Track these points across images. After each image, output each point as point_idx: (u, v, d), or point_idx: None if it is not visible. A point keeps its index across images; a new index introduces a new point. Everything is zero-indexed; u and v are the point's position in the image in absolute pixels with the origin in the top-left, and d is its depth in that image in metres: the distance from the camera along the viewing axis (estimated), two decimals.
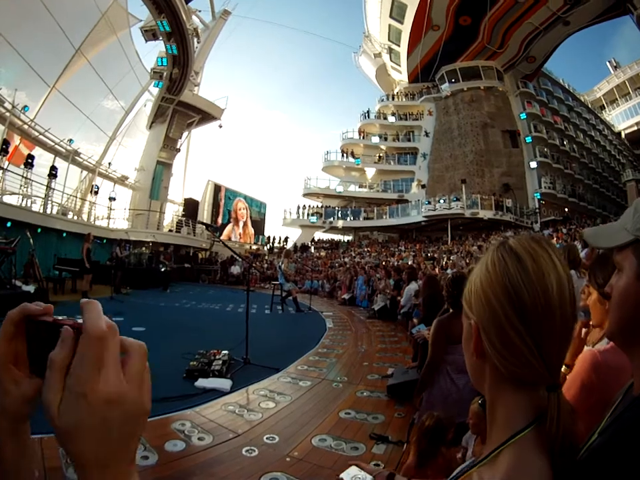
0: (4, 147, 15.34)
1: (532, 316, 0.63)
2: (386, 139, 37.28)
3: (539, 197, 30.76)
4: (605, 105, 45.83)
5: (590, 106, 44.00)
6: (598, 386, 1.35)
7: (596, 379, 1.37)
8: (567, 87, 41.35)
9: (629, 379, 0.77)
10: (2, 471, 0.55)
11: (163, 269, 17.57)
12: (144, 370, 0.50)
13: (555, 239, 17.51)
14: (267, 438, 3.29)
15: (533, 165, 31.77)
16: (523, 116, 33.76)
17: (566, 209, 30.97)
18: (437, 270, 15.87)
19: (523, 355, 0.63)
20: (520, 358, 0.64)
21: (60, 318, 0.53)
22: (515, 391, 0.66)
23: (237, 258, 21.25)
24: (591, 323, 1.79)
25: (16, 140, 17.24)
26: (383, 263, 19.82)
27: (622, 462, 0.62)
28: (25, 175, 16.38)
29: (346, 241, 36.09)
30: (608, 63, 45.86)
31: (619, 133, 44.83)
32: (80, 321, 0.50)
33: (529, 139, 32.69)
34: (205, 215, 30.11)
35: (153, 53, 25.70)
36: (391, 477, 1.18)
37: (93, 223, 21.20)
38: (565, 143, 34.90)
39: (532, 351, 0.63)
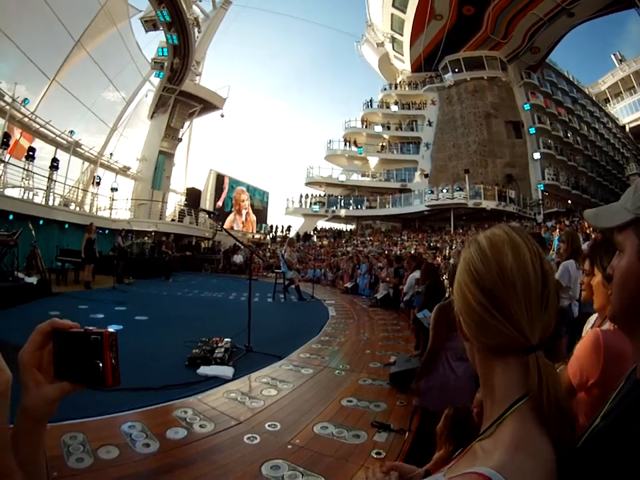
0: (5, 140, 15.32)
1: (494, 290, 0.72)
2: (389, 128, 37.15)
3: (542, 188, 30.67)
4: (610, 98, 45.51)
5: (594, 99, 43.74)
6: (599, 366, 1.35)
7: (596, 359, 1.37)
8: (571, 79, 41.09)
9: (632, 363, 0.76)
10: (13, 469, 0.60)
11: (166, 259, 17.59)
12: None
13: (558, 230, 17.46)
14: (268, 425, 3.28)
15: (537, 156, 31.65)
16: (527, 107, 33.58)
17: (569, 201, 30.88)
18: (439, 259, 15.87)
19: (493, 326, 0.71)
20: (492, 329, 0.71)
21: (90, 328, 0.64)
22: (501, 364, 0.72)
23: (240, 246, 21.27)
24: (594, 307, 1.79)
25: (17, 133, 17.22)
26: (386, 252, 19.83)
27: (625, 445, 0.61)
28: (26, 168, 16.38)
29: (348, 230, 36.15)
30: (613, 56, 45.52)
31: (623, 127, 44.56)
32: (110, 329, 0.63)
33: (532, 130, 32.53)
34: (207, 204, 30.23)
35: (153, 43, 25.63)
36: (428, 473, 1.17)
37: (95, 213, 21.22)
38: (568, 134, 34.70)
39: (500, 321, 0.70)
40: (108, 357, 0.60)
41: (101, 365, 0.60)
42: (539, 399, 0.66)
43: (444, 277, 6.75)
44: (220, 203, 31.74)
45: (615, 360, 1.26)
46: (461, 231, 27.94)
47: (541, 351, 0.70)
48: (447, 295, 4.32)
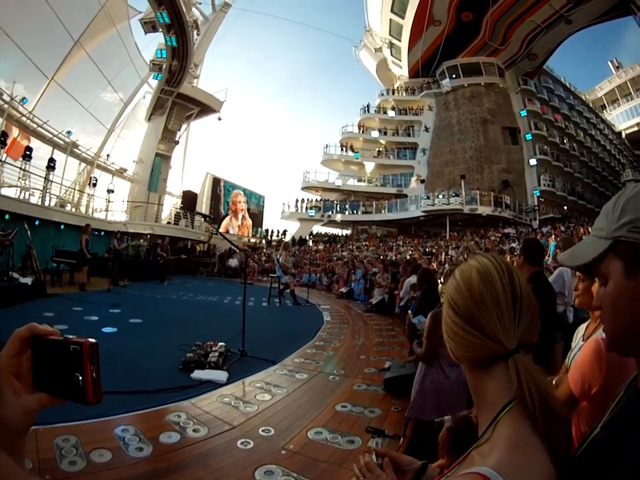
0: (2, 139, 15.28)
1: (467, 311, 0.82)
2: (385, 134, 37.23)
3: (538, 194, 30.75)
4: (606, 105, 45.75)
5: (591, 105, 43.96)
6: (602, 374, 1.36)
7: (599, 367, 1.37)
8: (568, 86, 41.28)
9: (633, 370, 0.76)
10: None
11: (161, 262, 17.56)
12: None
13: (553, 236, 17.51)
14: (262, 430, 3.27)
15: (533, 162, 31.73)
16: (524, 113, 33.72)
17: (565, 207, 31.02)
18: (434, 265, 15.89)
19: (472, 341, 0.79)
20: (472, 344, 0.80)
21: (70, 337, 0.58)
22: (487, 374, 0.79)
23: (235, 250, 21.25)
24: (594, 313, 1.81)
25: (14, 132, 17.17)
26: (381, 257, 19.85)
27: (624, 456, 0.61)
28: (23, 167, 16.33)
29: (344, 234, 36.10)
30: (610, 63, 45.82)
31: (620, 133, 44.80)
32: (91, 339, 0.57)
33: (528, 136, 32.64)
34: (203, 207, 30.17)
35: (152, 44, 25.68)
36: (425, 467, 1.17)
37: (91, 215, 21.13)
38: (565, 141, 34.90)
39: (476, 335, 0.79)
40: (88, 370, 0.55)
41: (80, 378, 0.55)
42: (522, 399, 0.70)
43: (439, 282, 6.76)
44: (218, 207, 31.70)
45: (618, 367, 1.26)
46: (456, 235, 27.99)
47: (523, 354, 0.76)
48: (442, 301, 4.31)
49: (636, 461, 0.58)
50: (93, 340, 0.56)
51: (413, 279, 8.81)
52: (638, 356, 0.72)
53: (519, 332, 0.78)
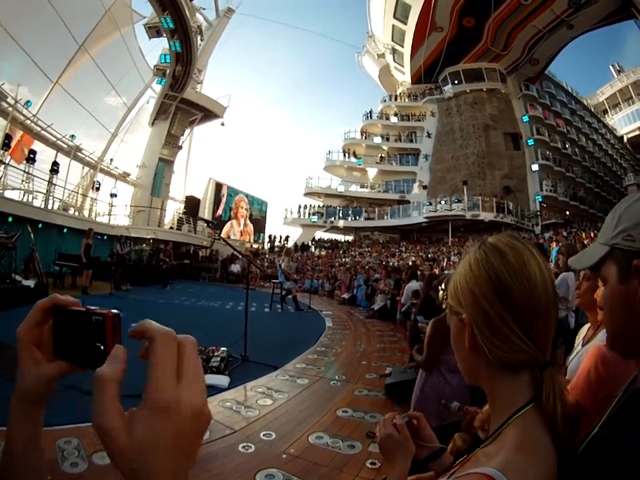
0: (6, 141, 15.36)
1: (518, 303, 0.69)
2: (388, 140, 37.24)
3: (540, 199, 30.69)
4: (608, 109, 45.64)
5: (592, 109, 43.90)
6: (607, 379, 1.36)
7: (605, 373, 1.38)
8: (569, 90, 41.27)
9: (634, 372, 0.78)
10: (10, 459, 0.56)
11: (164, 266, 17.57)
12: (199, 368, 0.49)
13: (555, 242, 17.48)
14: (263, 435, 3.28)
15: (535, 167, 31.70)
16: (525, 118, 33.70)
17: (567, 212, 30.92)
18: (436, 271, 15.87)
19: (512, 342, 0.69)
20: (510, 344, 0.69)
21: (92, 307, 0.56)
22: (511, 377, 0.72)
23: (238, 256, 21.25)
24: (598, 317, 1.81)
25: (18, 135, 17.25)
26: (383, 263, 19.84)
27: (622, 455, 0.62)
28: (26, 170, 16.40)
29: (347, 240, 36.07)
30: (611, 67, 45.68)
31: (621, 137, 44.65)
32: (114, 310, 0.55)
33: (530, 142, 32.59)
34: (206, 212, 30.13)
35: (156, 49, 25.74)
36: (442, 451, 1.15)
37: (94, 219, 21.23)
38: (567, 146, 34.83)
39: (520, 336, 0.69)
40: (110, 340, 0.55)
41: (102, 348, 0.54)
42: (549, 411, 0.67)
43: (441, 288, 6.75)
44: (220, 212, 31.71)
45: (622, 372, 1.27)
46: (458, 241, 27.95)
47: (552, 366, 0.71)
48: (443, 307, 4.28)
49: (630, 458, 0.59)
50: (115, 311, 0.56)
51: (413, 284, 8.83)
52: (638, 357, 0.74)
53: (550, 339, 0.72)
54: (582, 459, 0.69)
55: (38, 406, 0.58)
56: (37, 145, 18.44)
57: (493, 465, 0.62)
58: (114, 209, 23.60)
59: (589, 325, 2.00)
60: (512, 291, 0.70)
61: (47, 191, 17.30)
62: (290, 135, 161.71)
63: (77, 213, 20.25)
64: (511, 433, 0.67)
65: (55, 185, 18.16)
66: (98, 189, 22.64)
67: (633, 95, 42.32)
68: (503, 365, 0.71)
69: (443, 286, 3.33)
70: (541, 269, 0.72)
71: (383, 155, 36.81)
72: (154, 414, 0.43)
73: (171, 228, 25.82)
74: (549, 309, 0.71)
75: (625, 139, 44.42)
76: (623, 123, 44.58)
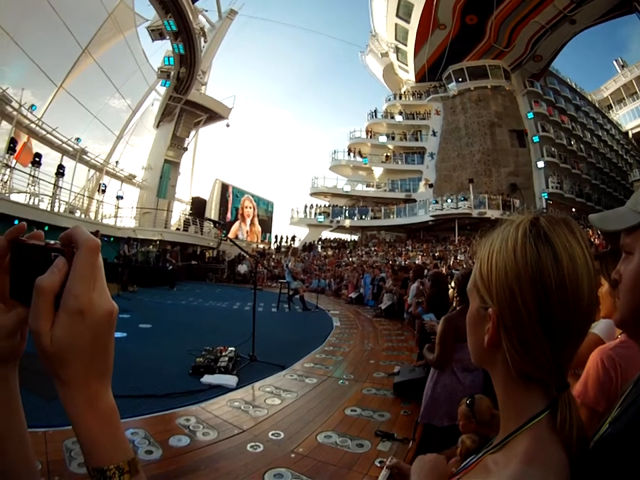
0: (11, 145, 15.42)
1: (557, 323, 0.59)
2: (393, 138, 37.16)
3: (546, 196, 30.58)
4: (612, 105, 45.35)
5: (597, 105, 43.65)
6: (617, 381, 1.32)
7: (614, 375, 1.34)
8: (574, 86, 41.07)
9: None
10: None
11: (170, 268, 17.60)
12: (98, 266, 0.47)
13: None
14: (272, 434, 3.28)
15: (541, 164, 31.56)
16: (530, 115, 33.56)
17: (573, 209, 30.74)
18: (443, 269, 15.83)
19: (539, 358, 0.60)
20: (536, 361, 0.61)
21: (51, 242, 0.50)
22: (525, 385, 0.64)
23: (245, 256, 21.27)
24: (600, 315, 1.76)
25: (23, 139, 17.32)
26: (390, 263, 19.81)
27: (636, 452, 0.59)
28: (32, 174, 16.47)
29: (353, 240, 36.06)
30: (615, 62, 45.38)
31: (626, 133, 44.38)
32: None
33: (536, 139, 32.50)
34: (212, 213, 30.22)
35: (160, 52, 25.86)
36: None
37: (100, 221, 21.29)
38: (572, 142, 34.66)
39: (549, 357, 0.60)
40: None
41: None
42: (563, 431, 0.60)
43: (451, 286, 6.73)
44: (228, 215, 31.79)
45: (630, 372, 1.25)
46: (465, 239, 27.86)
47: (569, 388, 0.63)
48: (453, 305, 4.25)
49: None
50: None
51: (418, 283, 8.80)
52: None
53: (572, 360, 0.63)
54: (594, 457, 0.64)
55: (4, 365, 0.51)
56: (42, 149, 18.50)
57: (504, 477, 0.58)
58: (120, 211, 23.74)
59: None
60: (555, 310, 0.59)
61: (53, 193, 17.38)
62: (295, 135, 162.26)
63: (83, 216, 20.31)
64: (521, 442, 0.61)
65: (61, 187, 18.24)
66: (104, 191, 22.72)
67: (637, 90, 42.02)
68: (518, 374, 0.63)
69: (452, 284, 3.31)
70: (591, 291, 0.60)
71: (389, 154, 36.74)
72: (72, 317, 0.44)
73: (178, 229, 25.90)
74: (584, 333, 0.62)
75: (630, 135, 44.11)
76: (627, 118, 44.29)
